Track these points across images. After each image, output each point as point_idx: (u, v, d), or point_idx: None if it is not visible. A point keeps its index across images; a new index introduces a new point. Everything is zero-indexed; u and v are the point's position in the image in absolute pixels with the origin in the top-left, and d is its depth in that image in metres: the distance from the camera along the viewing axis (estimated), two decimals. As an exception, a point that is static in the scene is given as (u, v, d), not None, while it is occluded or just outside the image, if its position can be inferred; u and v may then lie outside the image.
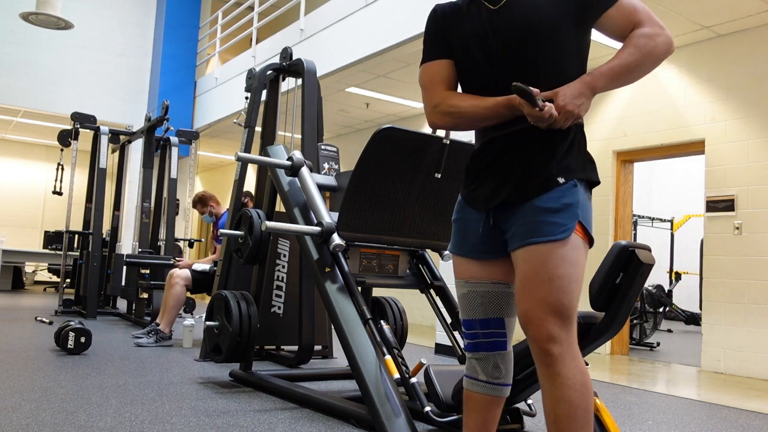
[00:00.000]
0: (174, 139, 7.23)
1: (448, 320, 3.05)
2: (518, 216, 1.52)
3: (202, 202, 5.42)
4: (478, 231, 1.61)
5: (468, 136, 1.75)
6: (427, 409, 2.32)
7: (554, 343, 1.43)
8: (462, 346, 2.97)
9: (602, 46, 5.55)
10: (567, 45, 1.55)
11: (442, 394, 2.30)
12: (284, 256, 4.31)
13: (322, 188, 3.26)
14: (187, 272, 4.91)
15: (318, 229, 2.87)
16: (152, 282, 5.92)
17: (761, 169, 4.93)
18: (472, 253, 1.63)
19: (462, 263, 1.66)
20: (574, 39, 1.56)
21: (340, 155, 3.82)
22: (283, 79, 4.34)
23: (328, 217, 2.92)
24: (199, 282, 4.96)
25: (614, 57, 1.50)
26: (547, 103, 1.43)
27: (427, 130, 2.46)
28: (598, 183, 1.63)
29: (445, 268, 3.50)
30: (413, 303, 5.20)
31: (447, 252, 3.08)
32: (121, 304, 7.67)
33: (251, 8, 9.28)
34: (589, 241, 1.56)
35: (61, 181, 7.80)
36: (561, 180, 1.51)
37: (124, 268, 6.86)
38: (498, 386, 1.62)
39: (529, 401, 2.52)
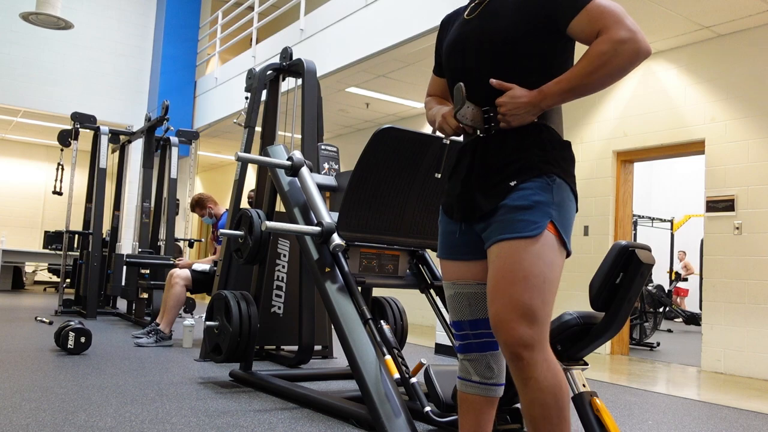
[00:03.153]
0: (174, 139, 7.23)
1: (449, 320, 3.04)
2: (491, 216, 1.52)
3: (200, 204, 5.42)
4: (456, 234, 1.63)
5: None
6: (427, 409, 2.32)
7: (525, 347, 1.42)
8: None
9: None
10: (537, 56, 1.51)
11: (442, 394, 2.30)
12: (284, 256, 4.31)
13: (322, 188, 3.26)
14: (187, 272, 4.91)
15: (318, 229, 2.87)
16: (152, 282, 5.92)
17: (761, 169, 4.93)
18: (455, 254, 1.64)
19: (447, 265, 1.67)
20: (549, 50, 1.52)
21: (340, 155, 3.82)
22: (283, 79, 4.34)
23: (328, 217, 2.92)
24: (199, 282, 4.96)
25: (570, 69, 1.47)
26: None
27: (427, 130, 2.46)
28: (570, 184, 1.54)
29: (445, 268, 3.49)
30: (413, 303, 5.20)
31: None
32: (121, 304, 7.67)
33: (251, 8, 9.28)
34: (565, 247, 1.50)
35: (61, 181, 7.80)
36: (512, 183, 1.48)
37: (124, 268, 6.86)
38: (491, 386, 1.63)
39: (529, 401, 2.51)
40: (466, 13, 1.66)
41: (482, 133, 1.55)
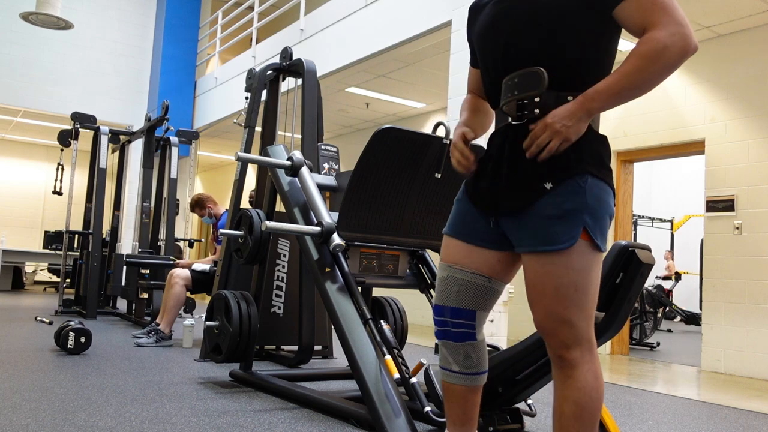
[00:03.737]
0: (174, 139, 7.23)
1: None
2: (520, 221, 1.48)
3: (199, 205, 5.42)
4: (476, 219, 1.58)
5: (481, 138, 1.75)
6: (427, 409, 2.32)
7: (568, 349, 1.44)
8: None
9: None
10: (581, 35, 1.43)
11: (442, 394, 2.30)
12: (284, 256, 4.31)
13: (322, 188, 3.26)
14: (187, 272, 4.91)
15: (318, 229, 2.87)
16: (152, 282, 5.92)
17: (761, 169, 4.93)
18: (468, 237, 1.59)
19: (451, 245, 1.62)
20: (593, 30, 1.44)
21: (340, 155, 3.82)
22: (283, 79, 4.34)
23: (328, 217, 2.92)
24: (199, 282, 4.96)
25: (616, 69, 1.38)
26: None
27: (427, 129, 2.46)
28: (605, 179, 1.48)
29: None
30: (413, 303, 5.19)
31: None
32: (121, 304, 7.67)
33: (251, 8, 9.29)
34: (597, 247, 1.45)
35: (61, 181, 7.80)
36: (548, 186, 1.42)
37: (124, 268, 6.86)
38: (471, 375, 1.62)
39: (529, 401, 2.51)
40: None
41: (514, 121, 1.49)
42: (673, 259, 10.79)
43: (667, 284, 10.18)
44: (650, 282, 7.79)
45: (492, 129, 1.63)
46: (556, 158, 1.42)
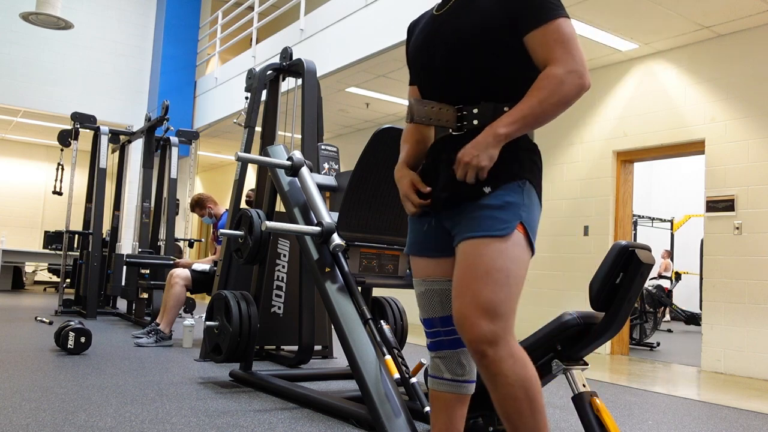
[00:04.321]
0: (174, 139, 7.23)
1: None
2: (460, 213, 1.52)
3: (199, 205, 5.42)
4: (424, 228, 1.63)
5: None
6: (427, 409, 2.32)
7: (489, 344, 1.41)
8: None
9: (601, 45, 5.55)
10: (506, 54, 1.50)
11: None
12: (284, 256, 4.31)
13: (322, 188, 3.26)
14: (187, 272, 4.91)
15: (318, 229, 2.87)
16: (152, 282, 5.92)
17: (761, 169, 4.93)
18: (423, 251, 1.64)
19: (417, 262, 1.67)
20: (516, 50, 1.51)
21: (340, 155, 3.82)
22: (283, 79, 4.34)
23: (328, 217, 2.92)
24: (199, 282, 4.96)
25: (520, 101, 1.46)
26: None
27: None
28: (536, 188, 1.55)
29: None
30: (413, 303, 5.19)
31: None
32: (121, 304, 7.67)
33: (251, 8, 9.29)
34: (531, 247, 1.51)
35: (61, 181, 7.80)
36: (486, 190, 1.48)
37: (124, 268, 6.86)
38: (462, 383, 1.63)
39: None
40: (435, 8, 1.64)
41: (454, 132, 1.54)
42: (671, 259, 10.79)
43: (664, 283, 10.19)
44: (649, 282, 7.81)
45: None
46: (496, 167, 1.47)
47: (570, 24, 1.49)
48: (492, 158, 1.44)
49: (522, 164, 1.51)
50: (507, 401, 1.44)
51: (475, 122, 1.51)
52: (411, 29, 1.76)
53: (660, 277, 10.25)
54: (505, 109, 1.49)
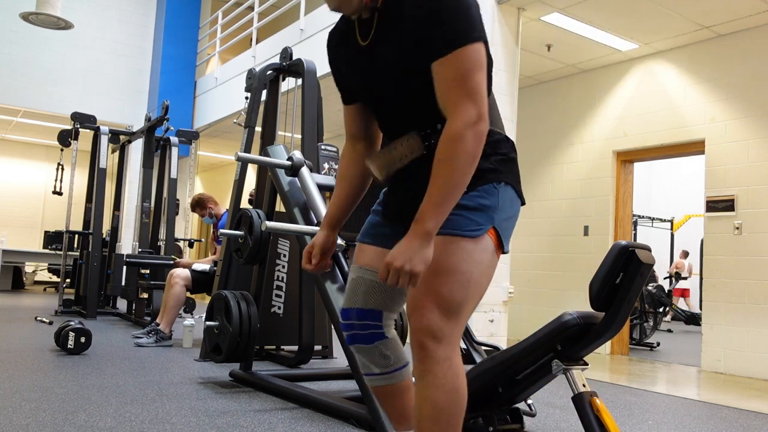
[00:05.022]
0: (174, 139, 7.23)
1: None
2: None
3: (200, 205, 5.42)
4: (389, 228, 1.63)
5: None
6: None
7: (433, 338, 1.38)
8: (462, 346, 2.97)
9: (601, 45, 5.55)
10: (429, 86, 1.40)
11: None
12: (284, 256, 4.31)
13: (322, 188, 3.26)
14: (187, 272, 4.91)
15: (318, 229, 2.87)
16: (152, 282, 5.92)
17: (761, 169, 4.93)
18: (377, 241, 1.63)
19: (363, 249, 1.65)
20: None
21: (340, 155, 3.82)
22: (283, 79, 4.34)
23: (328, 217, 2.92)
24: (199, 282, 4.96)
25: (431, 182, 1.35)
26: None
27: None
28: (515, 187, 1.52)
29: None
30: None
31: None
32: (121, 304, 7.67)
33: (251, 8, 9.28)
34: (501, 249, 1.48)
35: (61, 181, 7.80)
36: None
37: (124, 268, 6.86)
38: (395, 372, 1.63)
39: (529, 401, 2.52)
40: (359, 35, 1.54)
41: (425, 151, 1.47)
42: (685, 258, 10.82)
43: (683, 284, 10.26)
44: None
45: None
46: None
47: (478, 50, 1.35)
48: (427, 261, 1.33)
49: (496, 167, 1.48)
50: (427, 403, 1.39)
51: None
52: (334, 46, 1.69)
53: (678, 277, 10.24)
54: None
